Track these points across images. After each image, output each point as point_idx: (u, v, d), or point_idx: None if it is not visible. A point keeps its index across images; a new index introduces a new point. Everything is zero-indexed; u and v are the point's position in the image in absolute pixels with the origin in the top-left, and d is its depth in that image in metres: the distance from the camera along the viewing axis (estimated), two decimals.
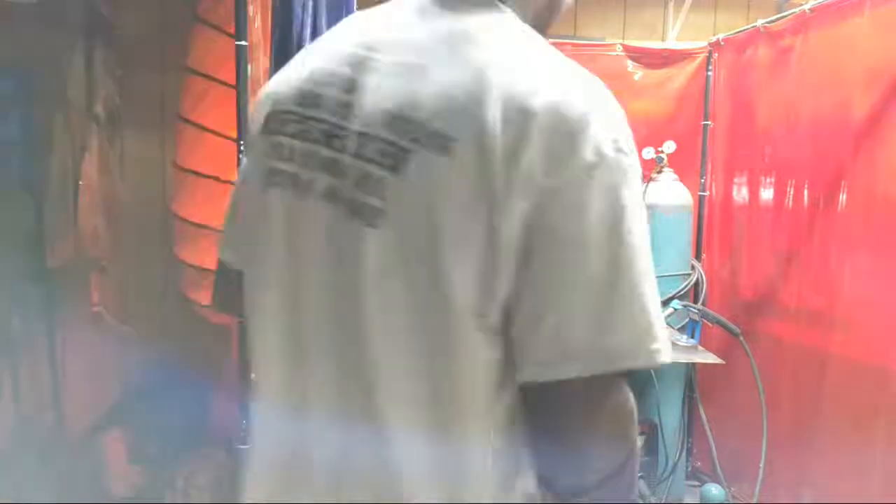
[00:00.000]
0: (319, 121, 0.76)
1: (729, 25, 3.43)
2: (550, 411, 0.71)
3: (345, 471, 0.76)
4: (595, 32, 3.57)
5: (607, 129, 0.69)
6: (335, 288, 0.74)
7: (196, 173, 2.38)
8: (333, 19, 1.63)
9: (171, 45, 2.47)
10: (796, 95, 2.69)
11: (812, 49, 2.62)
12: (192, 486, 2.69)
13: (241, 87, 1.68)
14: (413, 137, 0.69)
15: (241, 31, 1.67)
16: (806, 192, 2.64)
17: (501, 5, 0.79)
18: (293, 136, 0.78)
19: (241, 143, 1.68)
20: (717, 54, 3.31)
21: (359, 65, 0.76)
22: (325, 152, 0.75)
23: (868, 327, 2.30)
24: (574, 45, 3.18)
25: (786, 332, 2.72)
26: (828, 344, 2.45)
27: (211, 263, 2.43)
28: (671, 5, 3.57)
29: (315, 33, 1.62)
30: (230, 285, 0.93)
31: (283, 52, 1.62)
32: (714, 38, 3.30)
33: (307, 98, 0.79)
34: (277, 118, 0.81)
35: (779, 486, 2.68)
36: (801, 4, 2.65)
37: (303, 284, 0.77)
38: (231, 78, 1.71)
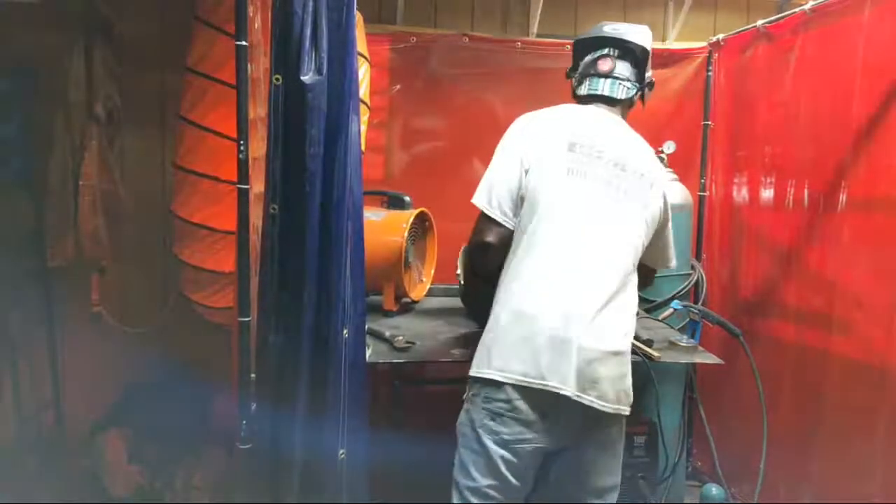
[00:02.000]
0: (610, 155, 1.77)
1: (729, 25, 3.43)
2: (645, 276, 1.91)
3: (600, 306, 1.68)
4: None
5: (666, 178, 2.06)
6: (605, 221, 1.73)
7: (196, 173, 2.38)
8: (334, 19, 1.63)
9: (171, 45, 2.47)
10: (796, 95, 2.69)
11: (812, 49, 2.62)
12: (192, 486, 2.69)
13: (241, 87, 1.68)
14: (645, 166, 1.81)
15: (241, 31, 1.67)
16: (806, 192, 2.64)
17: (619, 117, 1.91)
18: (591, 156, 1.76)
19: (241, 142, 1.68)
20: (717, 54, 3.31)
21: (613, 137, 1.82)
22: (611, 169, 1.76)
23: (868, 327, 2.30)
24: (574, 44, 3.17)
25: (786, 332, 2.72)
26: (828, 344, 2.45)
27: (211, 263, 2.45)
28: (671, 5, 3.57)
29: (315, 33, 1.62)
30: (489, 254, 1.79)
31: (283, 52, 1.62)
32: (714, 38, 3.30)
33: (599, 141, 1.78)
34: (576, 146, 1.76)
35: (779, 486, 2.68)
36: (801, 4, 2.65)
37: (585, 219, 1.72)
38: (231, 78, 1.71)
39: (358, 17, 1.82)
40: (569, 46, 2.08)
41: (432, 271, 2.81)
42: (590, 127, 1.81)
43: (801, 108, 2.67)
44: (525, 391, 1.62)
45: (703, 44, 3.36)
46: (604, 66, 1.88)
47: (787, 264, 2.76)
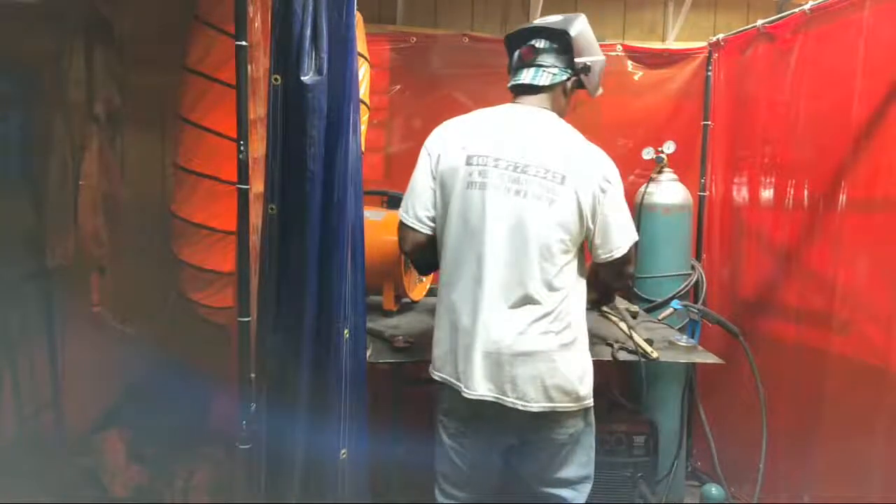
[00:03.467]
0: (507, 160, 1.76)
1: (729, 25, 3.43)
2: (602, 274, 1.89)
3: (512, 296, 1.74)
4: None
5: (609, 171, 1.79)
6: (504, 227, 1.73)
7: (196, 173, 2.38)
8: (333, 19, 1.63)
9: (171, 45, 2.47)
10: (796, 95, 2.69)
11: (812, 49, 2.62)
12: (192, 486, 2.69)
13: (241, 87, 1.68)
14: (568, 170, 1.74)
15: (241, 31, 1.67)
16: (806, 192, 2.64)
17: (548, 110, 1.86)
18: (487, 165, 1.76)
19: (241, 142, 1.68)
20: (717, 54, 3.31)
21: (516, 140, 1.78)
22: (509, 174, 1.75)
23: (868, 327, 2.30)
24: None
25: (786, 332, 2.72)
26: (828, 344, 2.45)
27: (211, 263, 2.44)
28: (671, 5, 3.57)
29: (315, 33, 1.62)
30: (423, 251, 1.90)
31: (283, 52, 1.62)
32: (714, 38, 3.30)
33: (497, 148, 1.78)
34: (473, 158, 1.78)
35: (779, 486, 2.68)
36: (801, 4, 2.65)
37: (483, 229, 1.74)
38: (231, 78, 1.71)
39: (358, 17, 1.82)
40: None
41: None
42: (490, 134, 1.81)
43: (801, 108, 2.67)
44: (457, 393, 1.78)
45: (703, 44, 3.36)
46: (527, 56, 1.89)
47: (787, 264, 2.76)
